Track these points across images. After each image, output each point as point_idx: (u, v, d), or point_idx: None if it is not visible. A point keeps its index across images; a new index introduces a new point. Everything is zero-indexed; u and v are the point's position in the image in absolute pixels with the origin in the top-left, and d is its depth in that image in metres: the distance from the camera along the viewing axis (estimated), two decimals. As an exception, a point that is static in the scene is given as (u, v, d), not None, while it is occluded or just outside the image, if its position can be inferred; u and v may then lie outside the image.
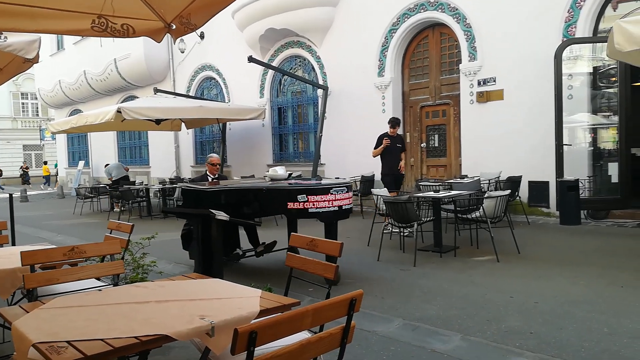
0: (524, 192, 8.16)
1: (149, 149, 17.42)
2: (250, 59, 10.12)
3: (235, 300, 2.08)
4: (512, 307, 3.92)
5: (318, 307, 1.50)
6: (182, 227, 5.83)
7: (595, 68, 8.03)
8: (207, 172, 6.23)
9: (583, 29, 7.69)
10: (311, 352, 1.47)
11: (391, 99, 10.29)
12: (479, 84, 8.90)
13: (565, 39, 7.73)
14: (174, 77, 15.75)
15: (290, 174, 6.40)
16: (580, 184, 7.44)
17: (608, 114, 7.98)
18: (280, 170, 5.61)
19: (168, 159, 16.31)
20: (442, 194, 6.13)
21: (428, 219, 6.22)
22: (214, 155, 6.37)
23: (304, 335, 1.77)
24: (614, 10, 7.71)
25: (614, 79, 7.78)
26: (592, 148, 8.00)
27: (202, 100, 13.22)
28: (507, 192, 5.90)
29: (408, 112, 10.47)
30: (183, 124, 13.13)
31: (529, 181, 8.15)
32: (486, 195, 5.85)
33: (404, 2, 9.83)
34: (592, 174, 7.81)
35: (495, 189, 7.54)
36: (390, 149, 7.51)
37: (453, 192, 6.26)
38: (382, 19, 10.25)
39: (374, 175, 9.73)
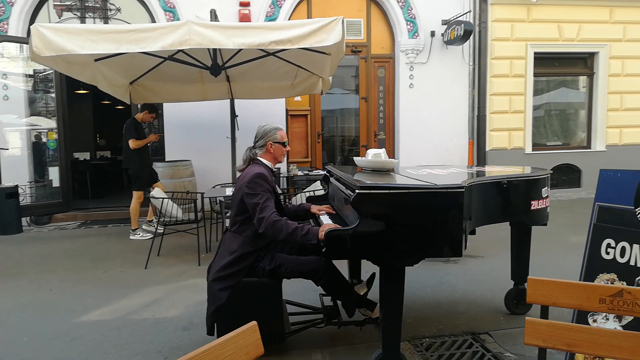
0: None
1: None
2: None
3: None
4: None
5: None
6: (221, 287, 2.80)
7: (35, 70, 7.87)
8: (264, 160, 3.03)
9: (17, 27, 7.35)
10: None
11: None
12: None
13: (-8, 34, 7.15)
14: None
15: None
16: (21, 190, 7.12)
17: (51, 118, 7.99)
18: (384, 155, 3.32)
19: None
20: None
21: None
22: (281, 128, 3.13)
23: None
24: (59, 18, 7.77)
25: (52, 83, 7.86)
26: (34, 152, 7.81)
27: None
28: None
29: None
30: None
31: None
32: None
33: None
34: (33, 179, 7.63)
35: None
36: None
37: None
38: None
39: None
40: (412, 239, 2.44)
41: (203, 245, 5.45)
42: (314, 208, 3.22)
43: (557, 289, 1.59)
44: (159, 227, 5.31)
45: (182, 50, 5.37)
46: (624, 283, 2.55)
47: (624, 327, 2.48)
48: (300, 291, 3.70)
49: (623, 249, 2.61)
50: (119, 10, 7.70)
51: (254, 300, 2.82)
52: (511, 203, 3.11)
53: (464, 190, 2.44)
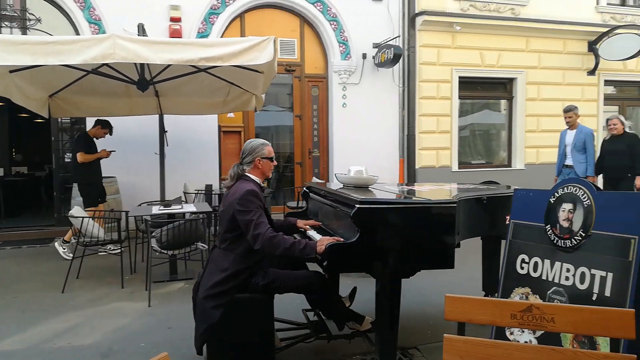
0: None
1: None
2: None
3: None
4: None
5: None
6: (213, 305, 2.69)
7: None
8: (252, 176, 2.98)
9: None
10: None
11: None
12: None
13: None
14: None
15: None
16: None
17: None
18: (365, 172, 3.41)
19: None
20: None
21: None
22: (268, 144, 3.07)
23: None
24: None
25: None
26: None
27: None
28: None
29: None
30: None
31: None
32: None
33: None
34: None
35: None
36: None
37: None
38: None
39: None
40: (409, 251, 2.55)
41: (127, 266, 5.18)
42: (300, 223, 3.27)
43: (473, 305, 1.65)
44: (78, 247, 4.99)
45: (107, 64, 5.15)
46: (537, 296, 2.69)
47: (538, 338, 2.61)
48: (280, 307, 3.62)
49: (536, 264, 2.76)
50: (39, 20, 7.28)
51: (245, 316, 2.74)
52: (489, 217, 3.28)
53: (456, 204, 2.59)
